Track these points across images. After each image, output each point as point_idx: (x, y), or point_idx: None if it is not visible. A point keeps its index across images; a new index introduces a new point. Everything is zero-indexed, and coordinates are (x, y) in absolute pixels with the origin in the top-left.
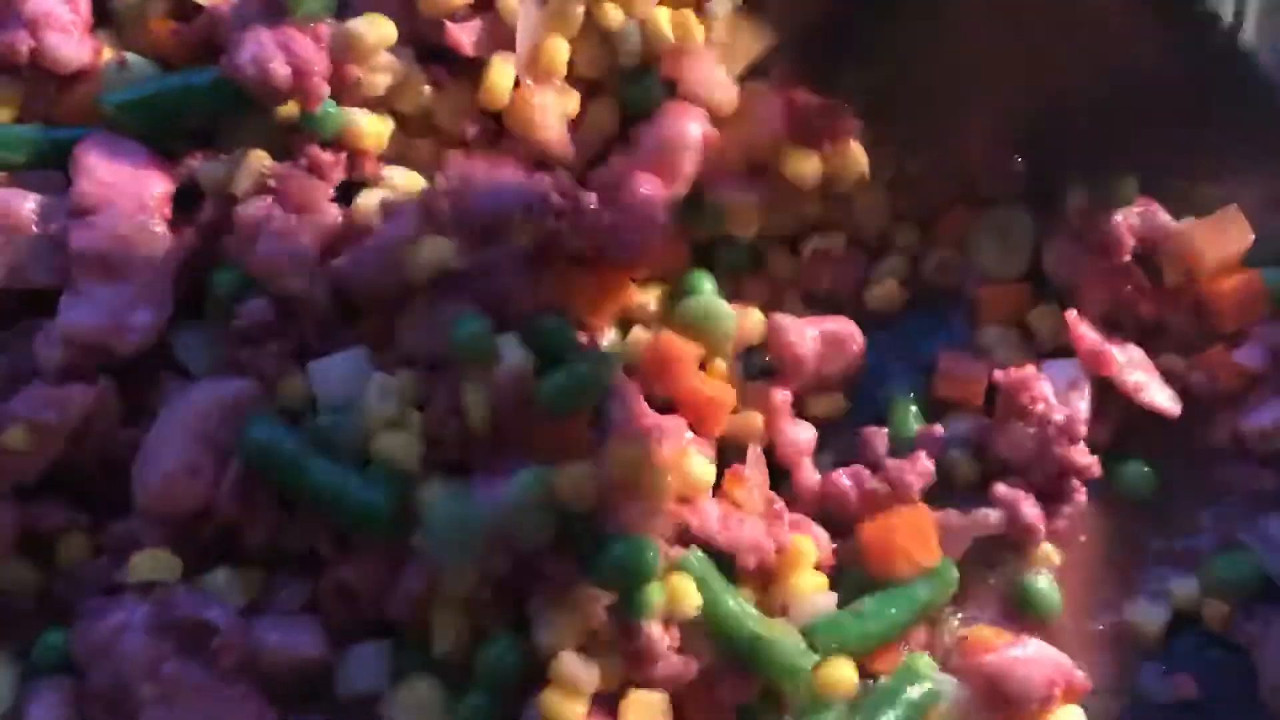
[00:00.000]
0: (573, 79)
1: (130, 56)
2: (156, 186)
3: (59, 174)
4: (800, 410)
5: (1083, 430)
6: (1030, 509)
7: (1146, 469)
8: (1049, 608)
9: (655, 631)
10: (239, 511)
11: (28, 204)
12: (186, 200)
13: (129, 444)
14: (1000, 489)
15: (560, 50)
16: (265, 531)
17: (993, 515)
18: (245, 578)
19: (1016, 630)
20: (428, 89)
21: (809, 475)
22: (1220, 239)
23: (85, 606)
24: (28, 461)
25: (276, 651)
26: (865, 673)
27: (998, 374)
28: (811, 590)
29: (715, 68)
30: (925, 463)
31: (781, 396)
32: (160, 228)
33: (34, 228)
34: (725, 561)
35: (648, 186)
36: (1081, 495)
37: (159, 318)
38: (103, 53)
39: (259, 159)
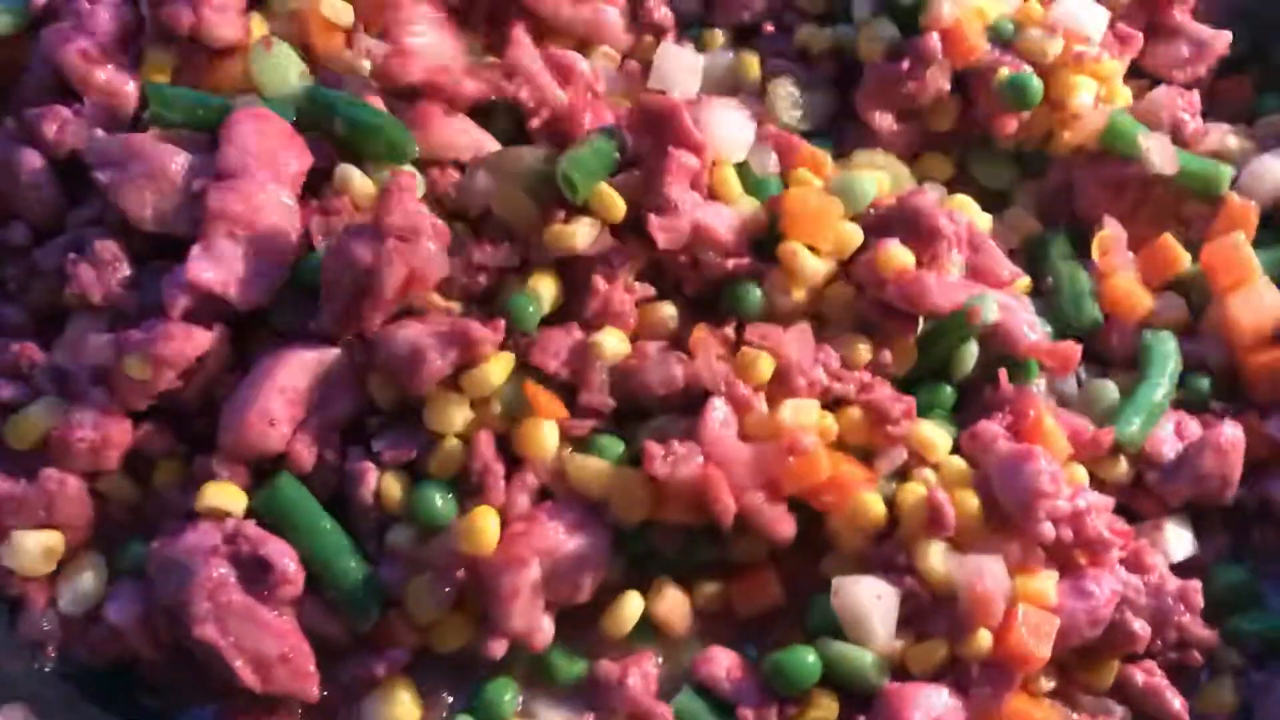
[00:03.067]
0: None
1: (275, 40)
2: (294, 164)
3: (208, 136)
4: None
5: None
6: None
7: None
8: None
9: None
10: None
11: (178, 159)
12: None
13: (229, 387)
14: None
15: None
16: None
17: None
18: None
19: None
20: None
21: None
22: (1257, 309)
23: (166, 525)
24: (142, 388)
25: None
26: None
27: None
28: None
29: None
30: None
31: None
32: (290, 200)
33: (179, 181)
34: None
35: None
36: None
37: (274, 281)
38: (252, 33)
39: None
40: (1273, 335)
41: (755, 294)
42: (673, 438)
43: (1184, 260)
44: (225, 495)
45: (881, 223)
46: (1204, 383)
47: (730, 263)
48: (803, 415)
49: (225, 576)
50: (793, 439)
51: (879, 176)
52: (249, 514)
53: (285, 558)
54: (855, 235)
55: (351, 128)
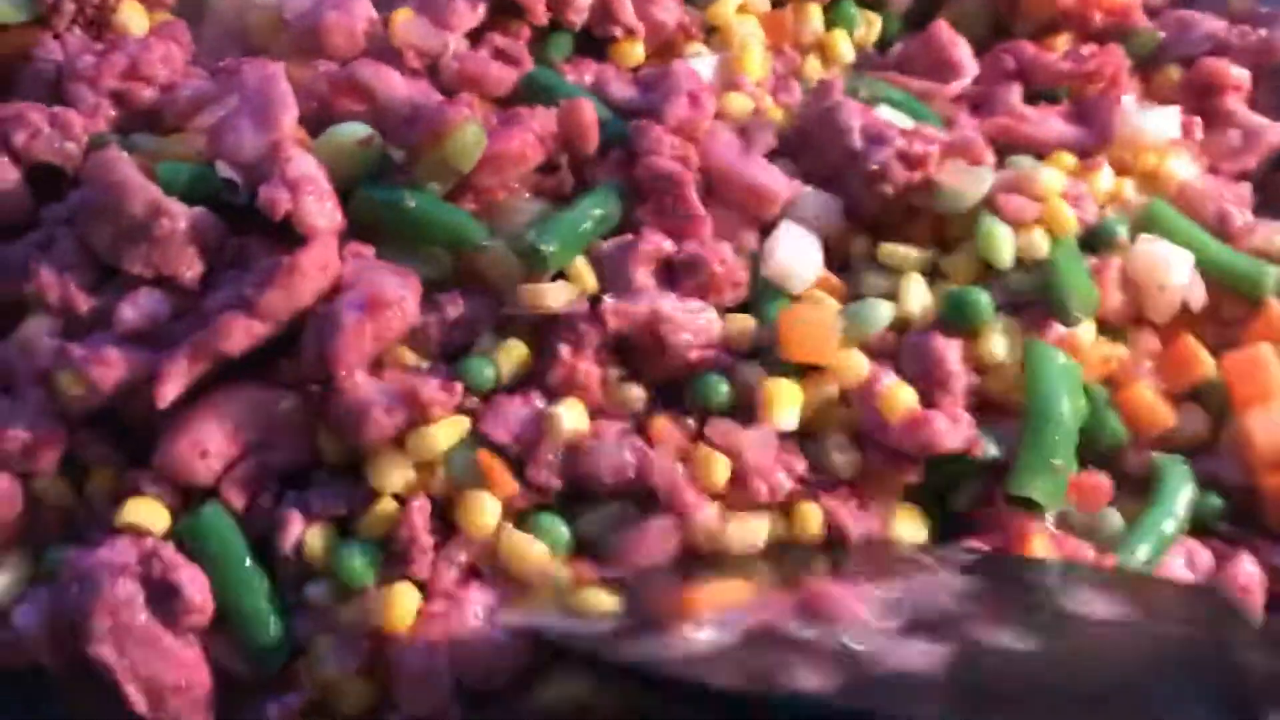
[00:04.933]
0: None
1: None
2: None
3: None
4: None
5: None
6: None
7: None
8: None
9: None
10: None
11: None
12: None
13: (174, 409)
14: None
15: None
16: None
17: None
18: None
19: None
20: None
21: None
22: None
23: (91, 536)
24: (78, 401)
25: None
26: None
27: None
28: None
29: None
30: None
31: None
32: None
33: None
34: None
35: None
36: None
37: None
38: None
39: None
40: None
41: (721, 390)
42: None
43: (1206, 367)
44: (147, 513)
45: (883, 348)
46: (1216, 502)
47: (695, 354)
48: (749, 534)
49: (132, 596)
50: None
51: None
52: (172, 536)
53: (196, 587)
54: (859, 365)
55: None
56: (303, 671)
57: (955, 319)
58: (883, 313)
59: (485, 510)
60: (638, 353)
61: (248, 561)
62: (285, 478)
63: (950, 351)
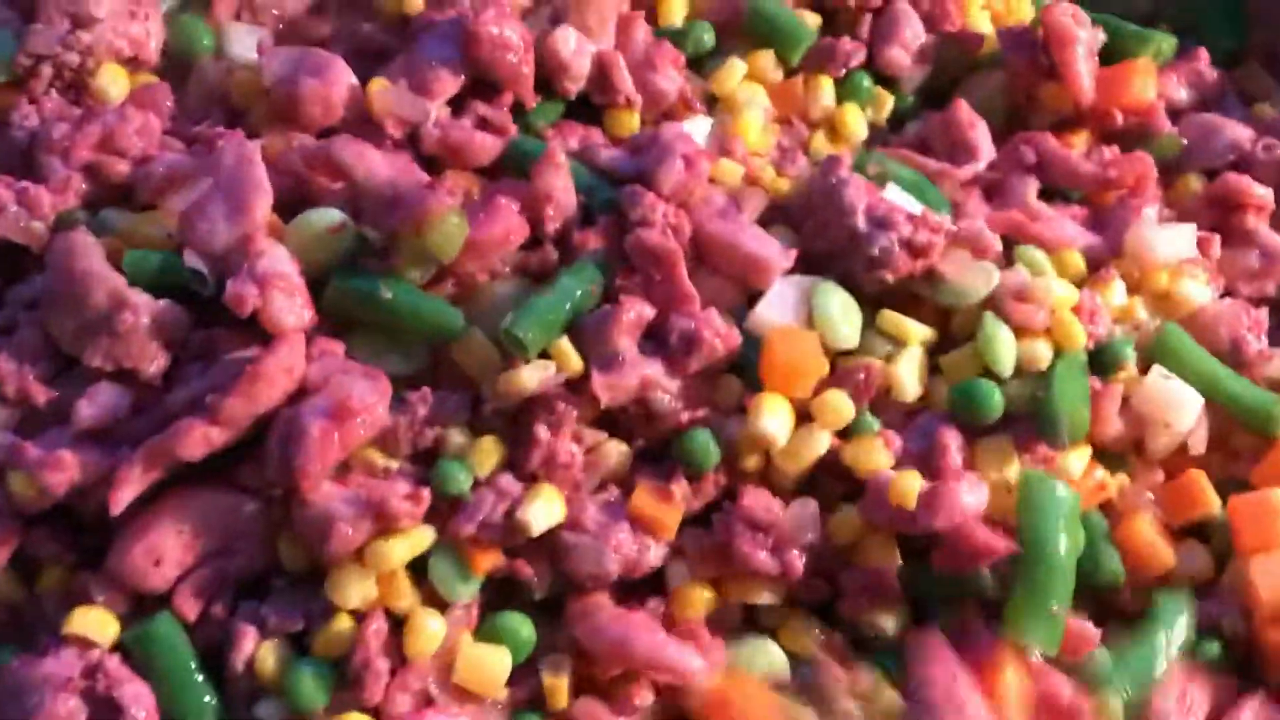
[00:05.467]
0: None
1: None
2: None
3: None
4: None
5: None
6: None
7: None
8: None
9: None
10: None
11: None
12: None
13: (130, 512)
14: None
15: None
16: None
17: None
18: None
19: None
20: None
21: None
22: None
23: (38, 640)
24: (30, 501)
25: None
26: None
27: None
28: None
29: None
30: None
31: None
32: None
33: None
34: None
35: None
36: None
37: None
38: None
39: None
40: None
41: (711, 450)
42: None
43: (1210, 506)
44: (95, 623)
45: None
46: (1214, 647)
47: (685, 416)
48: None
49: (73, 714)
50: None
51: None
52: (119, 646)
53: (140, 705)
54: (842, 408)
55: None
56: None
57: (963, 411)
58: (877, 348)
59: (427, 631)
60: (621, 417)
61: (198, 677)
62: (242, 586)
63: (953, 440)
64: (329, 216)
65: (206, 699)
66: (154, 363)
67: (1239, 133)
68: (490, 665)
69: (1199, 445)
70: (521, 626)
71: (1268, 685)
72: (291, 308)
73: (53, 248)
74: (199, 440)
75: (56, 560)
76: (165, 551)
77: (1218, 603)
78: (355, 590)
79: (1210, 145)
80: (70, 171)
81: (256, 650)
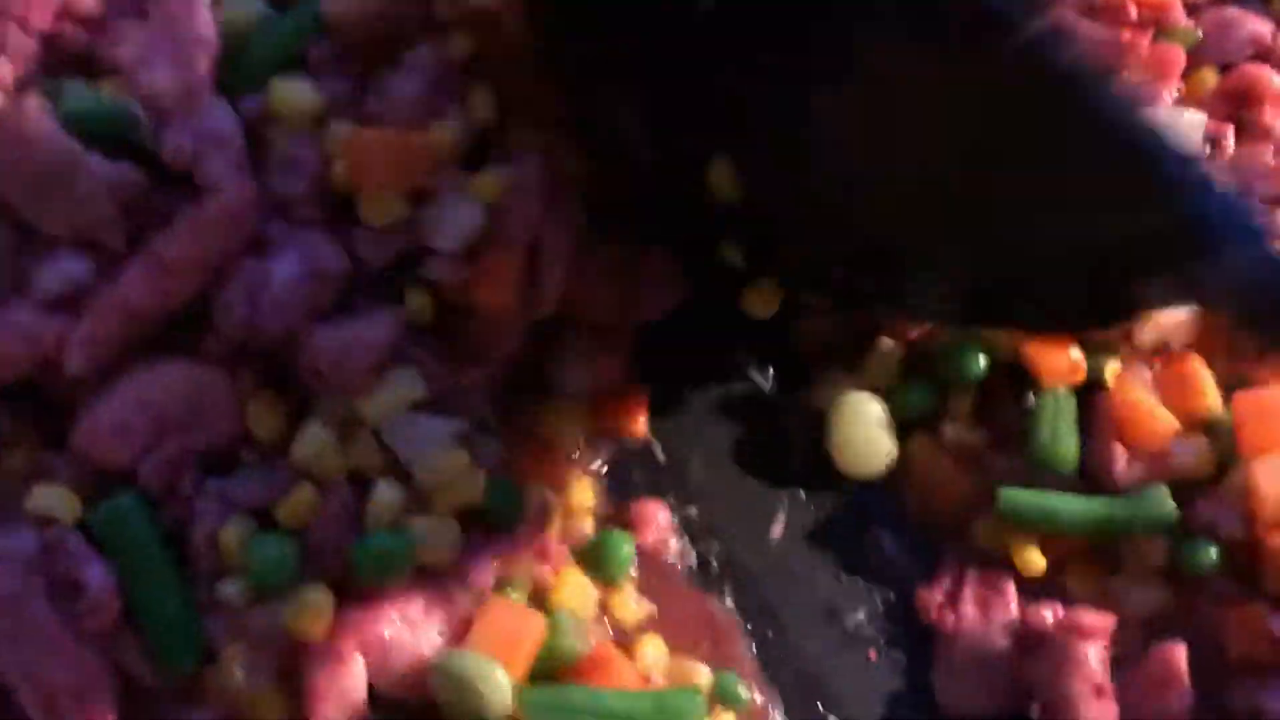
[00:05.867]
0: None
1: None
2: None
3: None
4: None
5: None
6: None
7: None
8: None
9: None
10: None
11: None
12: None
13: (93, 387)
14: None
15: None
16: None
17: None
18: None
19: None
20: None
21: None
22: None
23: None
24: None
25: None
26: None
27: None
28: None
29: None
30: None
31: None
32: None
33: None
34: None
35: None
36: None
37: None
38: None
39: None
40: None
41: None
42: None
43: (1208, 397)
44: (57, 500)
45: None
46: (1210, 552)
47: None
48: None
49: (32, 591)
50: None
51: None
52: (82, 525)
53: (101, 584)
54: None
55: None
56: (211, 682)
57: None
58: None
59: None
60: None
61: (161, 555)
62: (210, 467)
63: None
64: None
65: (170, 577)
66: (114, 229)
67: (1259, 26)
68: None
69: (1180, 336)
70: None
71: (1265, 594)
72: (229, 163)
73: (3, 113)
74: (151, 289)
75: (19, 440)
76: (129, 425)
77: (1215, 504)
78: (326, 454)
79: (1229, 39)
80: (29, 39)
81: (220, 526)
